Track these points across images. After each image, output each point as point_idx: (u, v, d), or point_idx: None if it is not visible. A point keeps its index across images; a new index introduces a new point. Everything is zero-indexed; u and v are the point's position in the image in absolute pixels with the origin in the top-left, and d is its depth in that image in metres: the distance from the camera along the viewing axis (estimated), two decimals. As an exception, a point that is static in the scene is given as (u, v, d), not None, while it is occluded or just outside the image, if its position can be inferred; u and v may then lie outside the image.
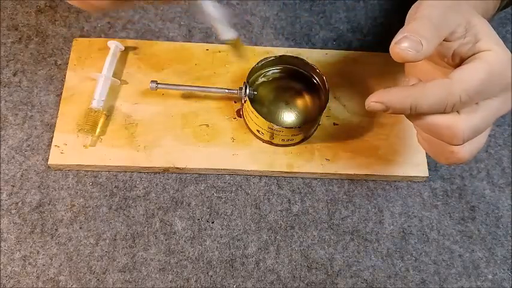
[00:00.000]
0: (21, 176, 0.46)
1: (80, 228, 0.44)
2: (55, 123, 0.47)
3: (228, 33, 0.36)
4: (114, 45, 0.50)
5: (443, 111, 0.33)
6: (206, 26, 0.54)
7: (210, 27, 0.54)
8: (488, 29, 0.34)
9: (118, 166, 0.46)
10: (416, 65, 0.39)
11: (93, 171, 0.47)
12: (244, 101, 0.46)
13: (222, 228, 0.45)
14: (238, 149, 0.47)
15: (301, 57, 0.48)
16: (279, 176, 0.48)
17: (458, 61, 0.35)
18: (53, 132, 0.47)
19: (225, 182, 0.47)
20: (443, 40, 0.34)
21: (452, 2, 0.34)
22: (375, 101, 0.34)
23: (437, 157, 0.37)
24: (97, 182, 0.46)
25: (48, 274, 0.42)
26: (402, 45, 0.32)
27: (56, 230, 0.44)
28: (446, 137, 0.34)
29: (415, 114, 0.34)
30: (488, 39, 0.34)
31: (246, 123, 0.48)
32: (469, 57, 0.34)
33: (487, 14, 0.40)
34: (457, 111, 0.33)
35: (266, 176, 0.48)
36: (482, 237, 0.46)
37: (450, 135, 0.33)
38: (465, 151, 0.35)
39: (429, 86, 0.33)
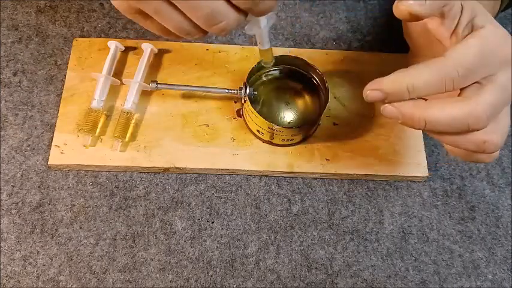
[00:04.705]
0: (21, 176, 0.46)
1: (80, 228, 0.44)
2: (55, 123, 0.47)
3: (267, 44, 0.40)
4: (114, 45, 0.50)
5: (444, 90, 0.33)
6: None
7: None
8: (483, 9, 0.35)
9: (118, 166, 0.46)
10: (416, 38, 0.39)
11: (93, 171, 0.47)
12: (244, 101, 0.46)
13: (222, 228, 0.45)
14: (238, 149, 0.47)
15: (301, 57, 0.48)
16: (279, 176, 0.48)
17: (455, 42, 0.35)
18: (53, 132, 0.47)
19: (225, 182, 0.47)
20: (441, 18, 0.35)
21: None
22: (371, 89, 0.34)
23: (475, 157, 0.36)
24: (97, 182, 0.46)
25: (48, 274, 0.42)
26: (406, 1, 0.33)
27: (56, 230, 0.44)
28: (470, 123, 0.33)
29: (431, 128, 0.34)
30: (483, 17, 0.34)
31: (246, 123, 0.48)
32: (465, 37, 0.34)
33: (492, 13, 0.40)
34: (465, 97, 0.33)
35: (266, 176, 0.48)
36: (482, 237, 0.46)
37: (473, 119, 0.33)
38: (497, 133, 0.34)
39: (423, 65, 0.33)
